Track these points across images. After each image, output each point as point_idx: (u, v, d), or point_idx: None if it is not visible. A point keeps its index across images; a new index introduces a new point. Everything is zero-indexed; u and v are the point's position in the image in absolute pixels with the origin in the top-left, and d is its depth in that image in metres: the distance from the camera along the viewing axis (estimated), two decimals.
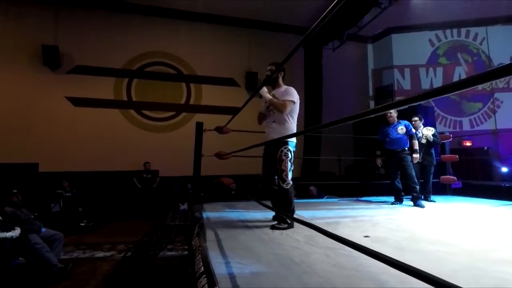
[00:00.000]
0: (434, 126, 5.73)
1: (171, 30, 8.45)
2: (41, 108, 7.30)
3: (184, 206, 6.75)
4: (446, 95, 0.61)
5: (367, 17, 7.71)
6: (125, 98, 8.04)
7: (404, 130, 3.97)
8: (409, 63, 9.55)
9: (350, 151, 9.32)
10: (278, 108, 2.52)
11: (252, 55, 8.93)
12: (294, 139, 2.57)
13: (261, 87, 2.12)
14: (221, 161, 3.57)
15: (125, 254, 4.00)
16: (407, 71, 9.55)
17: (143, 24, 8.19)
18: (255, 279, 1.40)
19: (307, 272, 1.49)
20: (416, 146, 4.01)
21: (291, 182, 2.52)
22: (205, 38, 8.64)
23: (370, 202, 4.18)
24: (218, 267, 1.54)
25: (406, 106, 0.76)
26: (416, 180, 3.89)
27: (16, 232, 3.27)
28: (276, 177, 2.62)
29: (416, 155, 3.97)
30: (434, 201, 4.16)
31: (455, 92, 0.59)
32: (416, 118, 4.45)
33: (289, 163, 2.51)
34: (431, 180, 4.32)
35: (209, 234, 2.22)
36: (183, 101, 8.47)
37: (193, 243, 2.27)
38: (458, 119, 9.29)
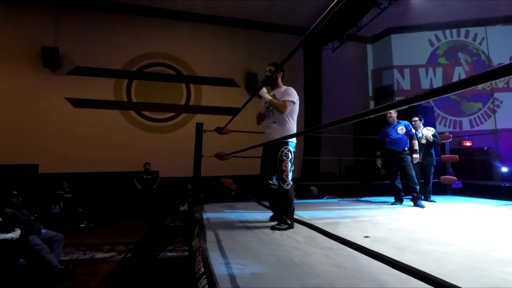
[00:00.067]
0: (434, 126, 5.73)
1: (171, 31, 8.46)
2: (41, 109, 7.31)
3: (184, 207, 6.75)
4: (446, 95, 0.61)
5: (367, 17, 7.72)
6: (125, 99, 8.04)
7: (404, 130, 3.97)
8: (408, 63, 9.56)
9: (350, 151, 9.32)
10: (278, 109, 2.52)
11: (252, 56, 8.94)
12: (294, 140, 2.57)
13: (260, 88, 2.11)
14: (221, 161, 3.57)
15: (125, 255, 4.00)
16: (406, 71, 9.56)
17: (143, 25, 8.21)
18: (256, 280, 1.40)
19: (308, 272, 1.48)
20: (416, 146, 4.01)
21: (291, 183, 2.52)
22: (205, 38, 8.65)
23: (370, 202, 4.18)
24: (219, 267, 1.54)
25: (406, 106, 0.76)
26: (416, 180, 3.89)
27: (16, 234, 3.27)
28: (274, 177, 2.62)
29: (416, 155, 3.97)
30: (434, 201, 4.16)
31: (455, 92, 0.59)
32: (416, 118, 4.45)
33: (289, 163, 2.51)
34: (431, 180, 4.32)
35: (209, 235, 2.22)
36: (183, 102, 8.48)
37: (193, 244, 2.27)
38: (458, 119, 9.29)
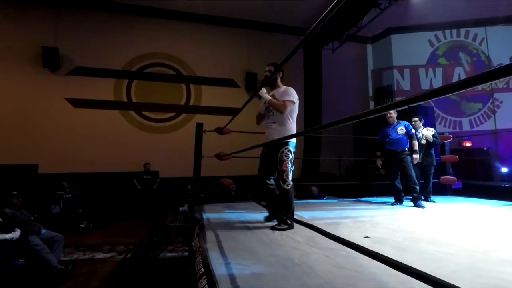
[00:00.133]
0: (434, 126, 5.73)
1: (170, 31, 8.46)
2: (41, 109, 7.31)
3: (184, 208, 6.74)
4: (446, 96, 0.61)
5: (367, 17, 7.72)
6: (125, 99, 8.04)
7: (404, 130, 3.97)
8: (408, 63, 9.56)
9: (350, 151, 9.32)
10: (278, 109, 2.52)
11: (252, 56, 8.94)
12: (294, 140, 2.57)
13: (260, 88, 2.12)
14: (221, 162, 3.57)
15: (125, 255, 4.00)
16: (406, 72, 9.56)
17: (142, 25, 8.21)
18: (256, 280, 1.40)
19: (308, 273, 1.48)
20: (416, 147, 4.01)
21: (291, 183, 2.52)
22: (204, 39, 8.65)
23: (370, 202, 4.18)
24: (219, 268, 1.54)
25: (406, 107, 0.76)
26: (416, 180, 3.89)
27: (16, 234, 3.27)
28: (272, 177, 2.62)
29: (416, 156, 3.97)
30: (434, 202, 4.16)
31: (455, 93, 0.60)
32: (416, 119, 4.45)
33: (289, 163, 2.51)
34: (431, 180, 4.32)
35: (209, 235, 2.22)
36: (183, 102, 8.48)
37: (193, 244, 2.27)
38: (458, 119, 9.30)
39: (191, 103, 8.52)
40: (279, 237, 2.18)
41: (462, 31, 9.54)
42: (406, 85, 9.52)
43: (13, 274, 3.30)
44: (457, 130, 9.11)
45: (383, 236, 2.22)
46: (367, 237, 2.19)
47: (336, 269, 1.52)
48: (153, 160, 7.69)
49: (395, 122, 4.05)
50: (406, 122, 4.05)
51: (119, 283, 3.20)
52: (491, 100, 9.20)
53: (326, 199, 5.18)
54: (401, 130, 3.97)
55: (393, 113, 4.07)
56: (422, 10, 8.26)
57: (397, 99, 8.88)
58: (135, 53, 8.15)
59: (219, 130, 3.56)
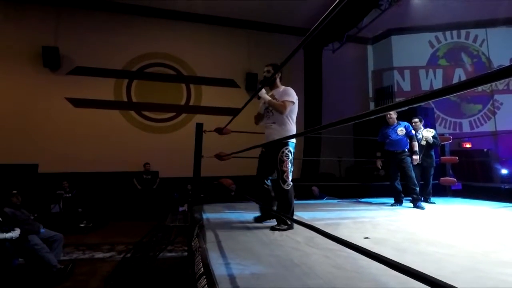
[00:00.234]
0: (434, 127, 5.73)
1: (171, 31, 8.46)
2: (41, 109, 7.31)
3: (183, 208, 6.74)
4: (446, 97, 0.62)
5: (367, 18, 7.72)
6: (125, 99, 8.04)
7: (404, 131, 3.97)
8: (409, 64, 9.57)
9: (350, 152, 9.32)
10: (277, 109, 2.53)
11: (252, 56, 8.94)
12: (293, 140, 2.58)
13: (259, 90, 2.12)
14: (221, 162, 3.57)
15: (125, 255, 4.00)
16: (407, 73, 9.56)
17: (143, 25, 8.21)
18: (255, 280, 1.40)
19: (307, 273, 1.48)
20: (416, 148, 4.00)
21: (291, 183, 2.52)
22: (205, 39, 8.65)
23: (370, 203, 4.18)
24: (218, 268, 1.54)
25: (406, 108, 0.76)
26: (416, 181, 3.89)
27: (15, 233, 3.26)
28: (270, 178, 2.62)
29: (416, 157, 3.97)
30: (434, 203, 4.16)
31: (455, 94, 0.60)
32: (417, 120, 4.44)
33: (289, 164, 2.51)
34: (431, 181, 4.32)
35: (209, 235, 2.22)
36: (183, 102, 8.48)
37: (193, 244, 2.27)
38: (458, 120, 9.30)
39: (191, 103, 8.53)
40: (279, 238, 2.18)
41: (463, 32, 9.54)
42: (406, 86, 9.52)
43: (13, 273, 3.29)
44: (457, 131, 9.11)
45: (383, 237, 2.22)
46: (367, 238, 2.19)
47: (336, 270, 1.52)
48: (153, 160, 7.69)
49: (395, 123, 4.05)
50: (406, 123, 4.05)
51: (118, 282, 3.20)
52: (491, 102, 9.20)
53: (326, 199, 5.18)
54: (401, 131, 3.97)
55: (393, 114, 4.07)
56: (422, 11, 8.27)
57: (397, 100, 8.90)
58: (135, 53, 8.16)
59: (219, 130, 3.56)
